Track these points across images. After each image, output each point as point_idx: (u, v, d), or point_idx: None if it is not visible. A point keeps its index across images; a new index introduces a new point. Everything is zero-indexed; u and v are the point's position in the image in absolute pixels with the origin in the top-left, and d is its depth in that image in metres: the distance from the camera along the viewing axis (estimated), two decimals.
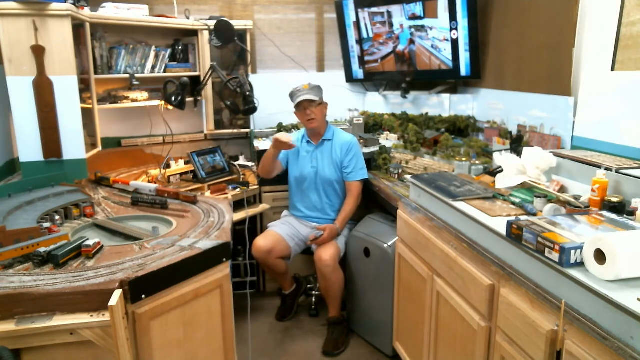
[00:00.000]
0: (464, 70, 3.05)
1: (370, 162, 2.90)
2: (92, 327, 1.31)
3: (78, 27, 2.46)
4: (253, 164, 3.11)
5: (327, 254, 2.52)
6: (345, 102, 3.61)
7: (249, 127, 3.36)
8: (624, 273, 1.10)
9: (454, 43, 3.01)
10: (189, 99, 3.06)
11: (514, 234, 1.38)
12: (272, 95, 3.41)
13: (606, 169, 1.63)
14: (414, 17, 3.15)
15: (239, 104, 2.95)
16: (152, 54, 3.00)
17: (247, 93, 2.85)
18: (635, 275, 1.11)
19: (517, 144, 2.19)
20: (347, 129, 3.25)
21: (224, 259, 1.69)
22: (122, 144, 3.12)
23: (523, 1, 2.54)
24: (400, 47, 3.32)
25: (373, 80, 3.61)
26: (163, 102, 3.01)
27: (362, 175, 2.70)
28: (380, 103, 3.61)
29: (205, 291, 1.63)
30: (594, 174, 1.59)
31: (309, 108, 2.63)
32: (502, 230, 1.45)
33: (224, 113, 3.39)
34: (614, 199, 1.50)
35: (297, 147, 2.76)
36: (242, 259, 3.08)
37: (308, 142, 2.78)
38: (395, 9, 3.20)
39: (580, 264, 1.19)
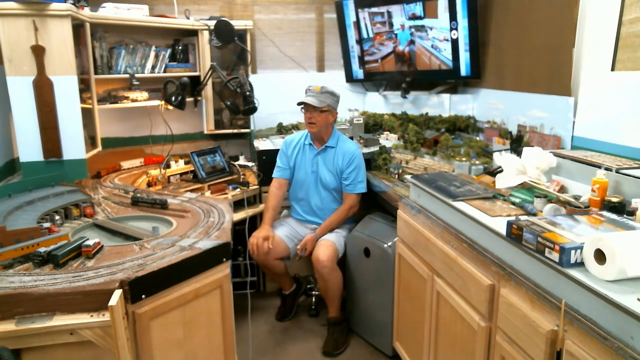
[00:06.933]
0: (464, 70, 3.05)
1: (370, 162, 2.90)
2: (92, 327, 1.31)
3: (78, 27, 2.46)
4: (253, 164, 3.11)
5: (324, 255, 2.52)
6: (345, 102, 3.59)
7: (249, 127, 3.36)
8: (624, 273, 1.10)
9: (454, 43, 3.01)
10: (189, 99, 3.06)
11: (514, 234, 1.38)
12: (272, 95, 3.42)
13: (606, 169, 1.63)
14: (414, 17, 3.15)
15: (239, 104, 2.95)
16: (152, 54, 3.00)
17: (247, 93, 2.85)
18: (635, 275, 1.11)
19: (517, 144, 2.20)
20: (347, 129, 3.26)
21: (224, 259, 1.69)
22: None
23: (523, 1, 2.54)
24: (400, 47, 3.32)
25: (373, 80, 3.61)
26: (163, 102, 3.01)
27: (361, 189, 2.69)
28: (380, 103, 3.61)
29: (205, 291, 1.63)
30: (594, 174, 1.59)
31: (311, 112, 2.61)
32: (502, 230, 1.45)
33: (224, 113, 3.40)
34: (614, 199, 1.50)
35: (298, 151, 2.76)
36: (242, 259, 3.08)
37: (310, 144, 2.75)
38: (395, 9, 3.20)
39: (580, 264, 1.19)
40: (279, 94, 3.46)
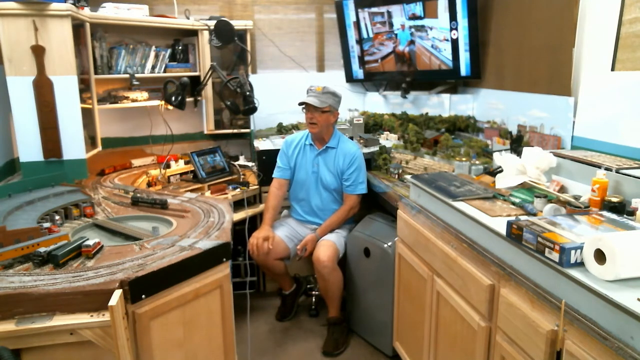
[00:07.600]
0: (464, 70, 3.05)
1: (370, 162, 2.90)
2: (92, 327, 1.31)
3: (78, 27, 2.46)
4: (253, 164, 3.11)
5: (324, 255, 2.52)
6: (345, 102, 3.58)
7: (249, 127, 3.36)
8: (624, 273, 1.10)
9: (454, 43, 3.01)
10: (189, 99, 3.06)
11: (514, 234, 1.38)
12: (272, 95, 3.42)
13: (606, 169, 1.63)
14: (414, 17, 3.15)
15: (239, 104, 2.95)
16: (152, 54, 3.00)
17: (247, 93, 2.85)
18: (635, 275, 1.11)
19: (517, 144, 2.20)
20: (347, 129, 3.25)
21: (224, 259, 1.69)
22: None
23: (523, 1, 2.54)
24: (400, 47, 3.32)
25: (373, 80, 3.61)
26: (163, 102, 3.01)
27: (361, 190, 2.69)
28: (380, 103, 3.61)
29: (205, 291, 1.63)
30: (594, 174, 1.59)
31: (312, 112, 2.60)
32: (502, 230, 1.45)
33: (224, 113, 3.40)
34: (614, 199, 1.50)
35: (299, 151, 2.75)
36: (242, 259, 3.08)
37: (311, 145, 2.75)
38: (395, 9, 3.20)
39: (580, 264, 1.19)
40: (279, 94, 3.46)
